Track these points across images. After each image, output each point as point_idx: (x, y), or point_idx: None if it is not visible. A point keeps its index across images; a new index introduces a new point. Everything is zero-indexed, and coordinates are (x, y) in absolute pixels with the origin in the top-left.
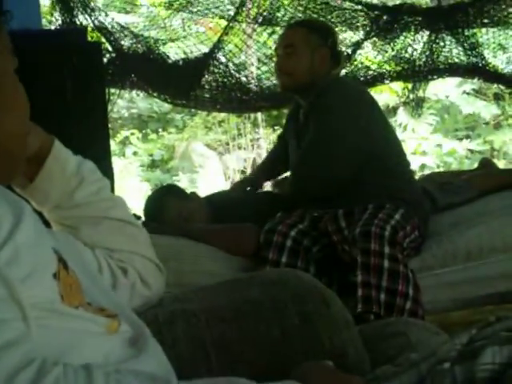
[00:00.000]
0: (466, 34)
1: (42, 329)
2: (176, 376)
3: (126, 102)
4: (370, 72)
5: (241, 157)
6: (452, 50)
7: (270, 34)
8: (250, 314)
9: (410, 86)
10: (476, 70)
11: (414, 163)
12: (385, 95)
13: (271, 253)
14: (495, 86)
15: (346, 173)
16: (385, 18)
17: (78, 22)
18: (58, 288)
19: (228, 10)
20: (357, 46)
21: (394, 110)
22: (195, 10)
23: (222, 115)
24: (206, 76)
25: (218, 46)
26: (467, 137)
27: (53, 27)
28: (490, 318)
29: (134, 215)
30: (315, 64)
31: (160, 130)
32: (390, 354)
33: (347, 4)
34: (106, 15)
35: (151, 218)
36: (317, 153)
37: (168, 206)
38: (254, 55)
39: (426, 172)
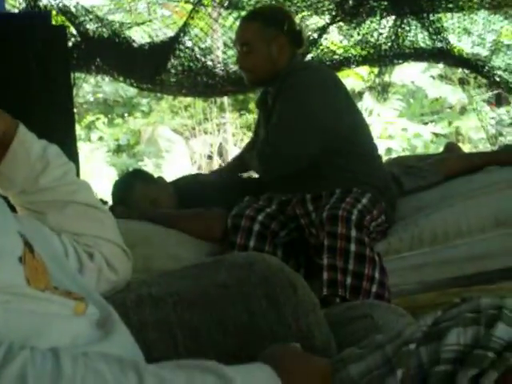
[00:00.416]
0: (431, 18)
1: (8, 312)
2: (144, 359)
3: (91, 87)
4: (336, 56)
5: (207, 141)
6: (417, 35)
7: (236, 18)
8: (218, 298)
9: (375, 70)
10: (441, 54)
11: (381, 147)
12: (350, 80)
13: (239, 237)
14: (460, 70)
15: (310, 150)
16: (350, 2)
17: (41, 6)
18: (24, 272)
19: None
20: (322, 30)
21: (360, 94)
22: None
23: (188, 100)
24: (172, 60)
25: (183, 29)
26: (432, 121)
27: (16, 10)
28: (455, 300)
29: (101, 200)
30: (274, 55)
31: (126, 114)
32: (355, 336)
33: None
34: None
35: (119, 203)
36: (281, 130)
37: (134, 191)
38: (220, 39)
39: (393, 156)
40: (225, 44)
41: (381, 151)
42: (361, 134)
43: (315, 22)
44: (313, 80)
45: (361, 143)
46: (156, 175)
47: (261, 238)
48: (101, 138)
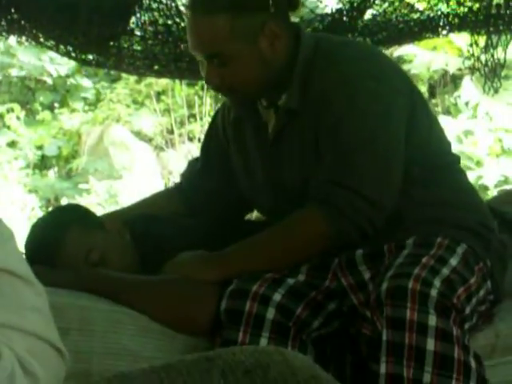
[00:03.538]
0: None
1: None
2: None
3: None
4: (415, 15)
5: (193, 154)
6: None
7: None
8: None
9: (481, 40)
10: None
11: (491, 170)
12: (441, 56)
13: (241, 333)
14: None
15: (398, 181)
16: None
17: None
18: None
19: None
20: None
21: (455, 80)
22: None
23: (163, 82)
24: (138, 14)
25: None
26: None
27: None
28: None
29: None
30: (266, 55)
31: (56, 105)
32: None
33: None
34: None
35: (39, 261)
36: (358, 166)
37: (66, 241)
38: None
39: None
40: None
41: (489, 177)
42: (439, 144)
43: None
44: (365, 68)
45: (445, 164)
46: (107, 210)
47: (279, 332)
48: (13, 144)
